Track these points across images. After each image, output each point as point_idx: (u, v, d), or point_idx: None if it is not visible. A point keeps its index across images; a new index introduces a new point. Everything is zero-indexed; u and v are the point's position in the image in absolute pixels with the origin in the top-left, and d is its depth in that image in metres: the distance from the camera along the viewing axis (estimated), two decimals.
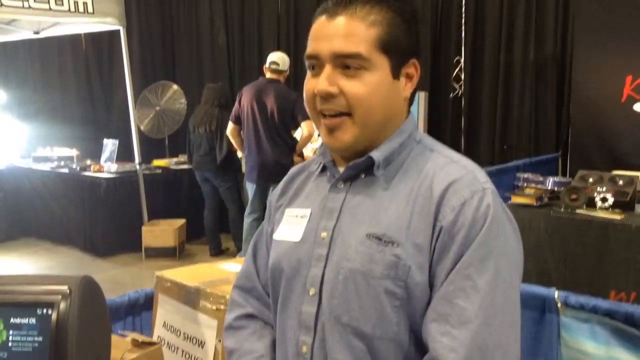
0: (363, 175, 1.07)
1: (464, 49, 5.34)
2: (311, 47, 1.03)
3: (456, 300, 0.93)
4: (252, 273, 1.24)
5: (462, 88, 5.36)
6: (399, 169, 1.06)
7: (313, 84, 1.04)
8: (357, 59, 1.00)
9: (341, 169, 1.10)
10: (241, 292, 1.25)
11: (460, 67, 5.30)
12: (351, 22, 1.00)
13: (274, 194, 1.24)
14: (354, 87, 1.01)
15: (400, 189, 1.03)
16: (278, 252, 1.12)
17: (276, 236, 1.15)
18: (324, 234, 1.06)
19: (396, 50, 1.02)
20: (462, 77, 5.32)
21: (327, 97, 1.02)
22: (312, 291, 1.05)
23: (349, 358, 1.01)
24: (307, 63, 1.05)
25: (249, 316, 1.22)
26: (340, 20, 1.01)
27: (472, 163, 1.05)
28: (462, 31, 5.33)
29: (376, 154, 1.05)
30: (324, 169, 1.15)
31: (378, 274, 0.98)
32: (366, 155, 1.05)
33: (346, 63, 1.01)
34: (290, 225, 1.12)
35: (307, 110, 1.08)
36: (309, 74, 1.06)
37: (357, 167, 1.07)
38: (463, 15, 5.29)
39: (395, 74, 1.04)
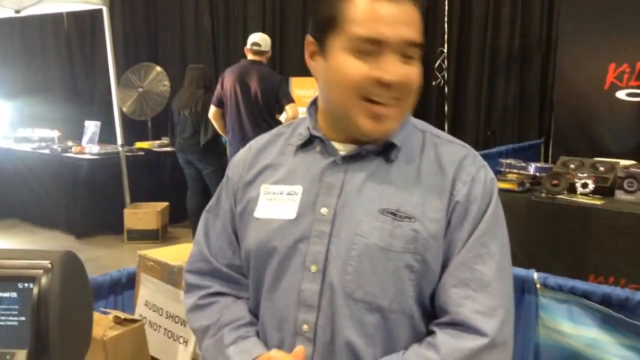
0: (363, 153, 1.07)
1: (448, 37, 5.33)
2: (373, 29, 0.97)
3: (475, 265, 1.01)
4: (206, 256, 1.18)
5: (446, 77, 5.35)
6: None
7: (364, 69, 0.99)
8: (419, 48, 1.01)
9: (337, 145, 1.08)
10: (197, 275, 1.18)
11: (444, 57, 5.30)
12: (414, 11, 1.00)
13: (234, 168, 1.18)
14: (415, 75, 1.02)
15: (404, 167, 1.06)
16: (266, 231, 1.08)
17: (259, 214, 1.10)
18: (324, 210, 1.04)
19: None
20: (445, 66, 5.32)
21: (396, 85, 0.99)
22: (313, 268, 1.03)
23: (358, 333, 1.01)
24: (354, 44, 0.99)
25: (218, 294, 1.16)
26: (407, 7, 0.98)
27: (464, 143, 1.13)
28: (444, 21, 5.31)
29: (397, 140, 1.07)
30: (307, 143, 1.12)
31: (399, 248, 1.00)
32: (387, 141, 1.06)
33: (410, 51, 1.00)
34: (277, 203, 1.08)
35: (346, 95, 1.01)
36: (350, 57, 0.99)
37: (374, 150, 1.07)
38: (446, 2, 5.28)
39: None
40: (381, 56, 0.98)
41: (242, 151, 1.20)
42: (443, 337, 0.99)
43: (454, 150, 1.08)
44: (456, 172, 1.04)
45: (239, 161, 1.18)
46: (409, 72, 1.00)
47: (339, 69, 1.00)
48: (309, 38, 1.08)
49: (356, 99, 1.00)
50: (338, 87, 1.02)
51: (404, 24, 0.97)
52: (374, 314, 1.01)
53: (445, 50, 5.27)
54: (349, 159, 1.07)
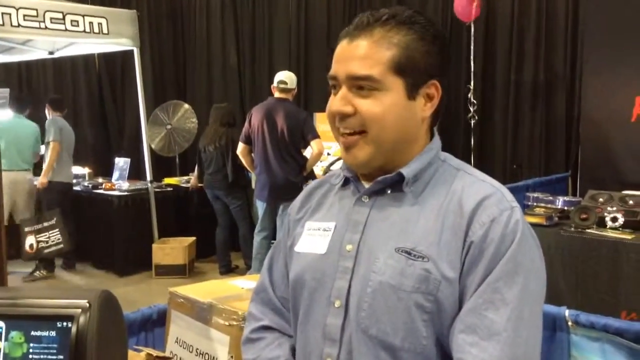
0: (389, 191, 1.09)
1: (474, 71, 5.35)
2: (332, 68, 1.08)
3: (485, 312, 0.96)
4: (267, 286, 1.26)
5: (475, 112, 5.34)
6: (426, 186, 1.08)
7: (330, 104, 1.09)
8: (369, 80, 1.03)
9: (365, 183, 1.12)
10: (258, 305, 1.27)
11: (471, 93, 5.29)
12: (368, 45, 1.04)
13: (292, 207, 1.27)
14: (368, 106, 1.04)
15: (428, 205, 1.06)
16: (301, 265, 1.14)
17: (298, 249, 1.16)
18: (349, 247, 1.08)
19: (412, 72, 1.05)
20: (475, 101, 5.31)
21: (342, 116, 1.06)
22: (337, 303, 1.07)
23: None
24: (330, 83, 1.10)
25: (266, 328, 1.23)
26: (358, 44, 1.05)
27: (498, 182, 1.09)
28: (471, 55, 5.34)
29: (406, 171, 1.07)
30: (346, 182, 1.17)
31: (409, 287, 1.00)
32: (396, 172, 1.08)
33: (359, 84, 1.05)
34: (313, 238, 1.14)
35: (330, 127, 1.11)
36: (332, 93, 1.10)
37: (385, 182, 1.09)
38: (472, 37, 5.31)
39: (411, 95, 1.06)
40: (338, 91, 1.08)
41: (300, 193, 1.29)
42: None
43: (479, 189, 1.05)
44: (474, 212, 1.01)
45: (295, 201, 1.27)
46: (359, 103, 1.05)
47: None
48: None
49: (337, 133, 1.10)
50: (329, 124, 1.13)
51: (351, 60, 1.05)
52: (387, 351, 1.02)
53: (471, 87, 5.29)
54: (374, 195, 1.10)
